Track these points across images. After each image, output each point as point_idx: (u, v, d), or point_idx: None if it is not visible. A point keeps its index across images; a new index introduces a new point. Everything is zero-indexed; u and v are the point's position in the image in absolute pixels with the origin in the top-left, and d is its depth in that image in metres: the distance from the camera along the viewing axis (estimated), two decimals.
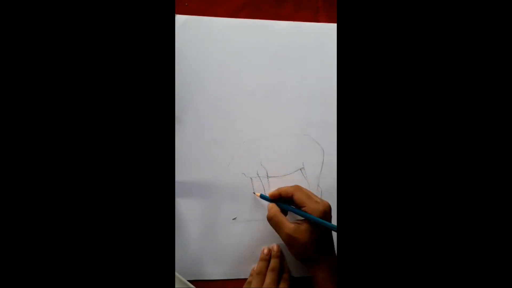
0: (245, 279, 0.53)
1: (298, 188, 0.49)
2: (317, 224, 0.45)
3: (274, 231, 0.49)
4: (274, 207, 0.49)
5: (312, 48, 0.57)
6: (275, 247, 0.53)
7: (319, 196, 0.54)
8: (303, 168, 0.55)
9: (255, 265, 0.52)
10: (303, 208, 0.46)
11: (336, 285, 0.45)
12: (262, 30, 0.57)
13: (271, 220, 0.48)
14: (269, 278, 0.50)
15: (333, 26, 0.58)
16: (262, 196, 0.52)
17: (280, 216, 0.48)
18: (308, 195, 0.48)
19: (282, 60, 0.56)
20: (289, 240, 0.46)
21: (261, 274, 0.51)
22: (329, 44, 0.57)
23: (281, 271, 0.52)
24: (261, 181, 0.54)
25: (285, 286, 0.50)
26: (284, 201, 0.50)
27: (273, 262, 0.51)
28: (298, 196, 0.47)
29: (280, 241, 0.49)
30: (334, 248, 0.48)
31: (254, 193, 0.53)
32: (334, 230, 0.46)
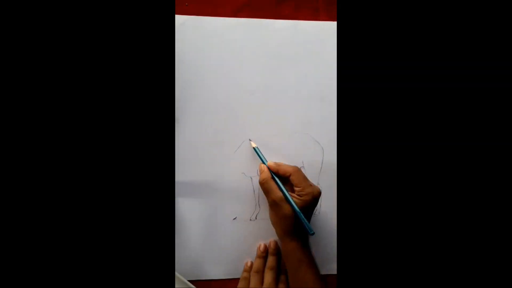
0: None
1: (297, 169, 0.50)
2: (303, 202, 0.47)
3: (273, 230, 0.50)
4: (267, 172, 0.50)
5: (312, 46, 0.57)
6: (272, 244, 0.52)
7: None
8: (303, 167, 0.55)
9: (248, 260, 0.52)
10: (298, 189, 0.48)
11: (304, 252, 0.47)
12: (261, 29, 0.57)
13: (263, 184, 0.50)
14: (269, 277, 0.50)
15: (333, 24, 0.58)
16: (256, 150, 0.52)
17: (272, 183, 0.49)
18: (305, 177, 0.50)
19: (282, 59, 0.56)
20: (274, 206, 0.48)
21: (259, 272, 0.51)
22: (329, 42, 0.57)
23: (278, 271, 0.52)
24: None
25: (283, 287, 0.50)
26: (279, 177, 0.50)
27: (271, 260, 0.51)
28: (296, 177, 0.49)
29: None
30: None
31: (250, 140, 0.54)
32: (309, 234, 0.47)
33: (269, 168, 0.50)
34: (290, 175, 0.49)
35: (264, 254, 0.52)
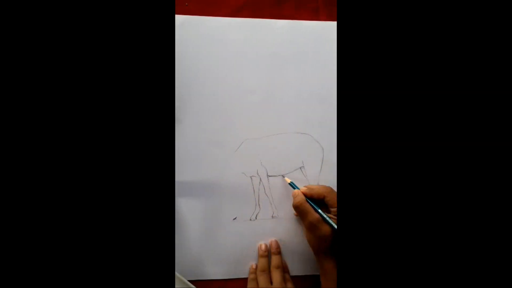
0: (245, 279, 0.53)
1: (330, 190, 0.50)
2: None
3: (274, 230, 0.51)
4: (300, 195, 0.49)
5: (312, 46, 0.57)
6: (273, 244, 0.52)
7: None
8: (303, 167, 0.55)
9: (253, 263, 0.53)
10: (334, 209, 0.48)
11: None
12: (261, 29, 0.57)
13: (298, 207, 0.49)
14: (278, 276, 0.50)
15: (333, 24, 0.58)
16: (291, 184, 0.53)
17: (307, 205, 0.48)
18: None
19: (281, 59, 0.56)
20: (312, 228, 0.47)
21: (265, 271, 0.51)
22: (329, 42, 0.57)
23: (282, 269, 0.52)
24: (261, 180, 0.54)
25: (291, 286, 0.50)
26: (314, 201, 0.50)
27: (276, 259, 0.51)
28: (330, 198, 0.49)
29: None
30: None
31: (283, 176, 0.54)
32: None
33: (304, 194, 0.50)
34: (324, 197, 0.49)
35: (266, 254, 0.52)
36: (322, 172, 0.55)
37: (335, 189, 0.51)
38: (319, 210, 0.48)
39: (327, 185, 0.54)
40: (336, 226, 0.46)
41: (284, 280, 0.50)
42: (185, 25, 0.55)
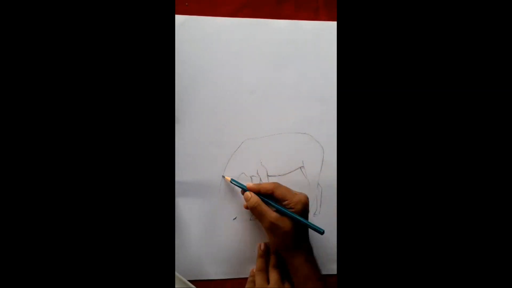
0: (245, 278, 0.53)
1: (277, 184, 0.50)
2: (296, 213, 0.47)
3: None
4: (254, 196, 0.49)
5: (311, 46, 0.57)
6: None
7: (320, 195, 0.54)
8: (303, 166, 0.55)
9: (253, 268, 0.52)
10: (286, 202, 0.48)
11: (312, 267, 0.47)
12: (261, 29, 0.57)
13: (254, 209, 0.48)
14: (275, 275, 0.49)
15: (333, 24, 0.58)
16: (233, 181, 0.52)
17: (264, 205, 0.48)
18: (287, 189, 0.49)
19: (281, 58, 0.56)
20: (272, 228, 0.47)
21: (263, 271, 0.50)
22: (329, 42, 0.57)
23: (282, 269, 0.51)
24: (261, 180, 0.54)
25: (289, 286, 0.50)
26: (262, 196, 0.49)
27: (274, 259, 0.51)
28: (279, 192, 0.48)
29: None
30: (307, 235, 0.49)
31: (223, 176, 0.53)
32: (320, 233, 0.47)
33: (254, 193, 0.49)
34: (272, 192, 0.48)
35: (265, 253, 0.52)
36: (322, 172, 0.55)
37: (336, 189, 0.51)
38: (277, 206, 0.47)
39: (327, 184, 0.54)
40: (299, 217, 0.46)
41: (281, 280, 0.50)
42: (185, 25, 0.55)
